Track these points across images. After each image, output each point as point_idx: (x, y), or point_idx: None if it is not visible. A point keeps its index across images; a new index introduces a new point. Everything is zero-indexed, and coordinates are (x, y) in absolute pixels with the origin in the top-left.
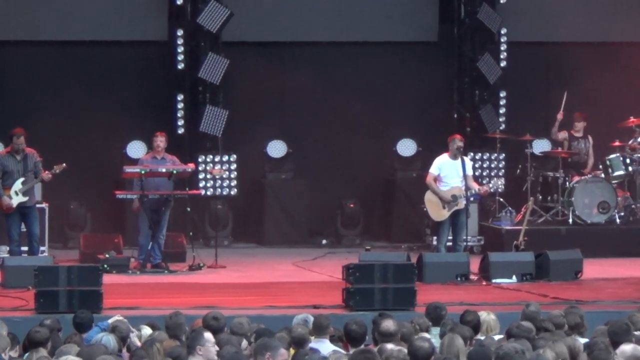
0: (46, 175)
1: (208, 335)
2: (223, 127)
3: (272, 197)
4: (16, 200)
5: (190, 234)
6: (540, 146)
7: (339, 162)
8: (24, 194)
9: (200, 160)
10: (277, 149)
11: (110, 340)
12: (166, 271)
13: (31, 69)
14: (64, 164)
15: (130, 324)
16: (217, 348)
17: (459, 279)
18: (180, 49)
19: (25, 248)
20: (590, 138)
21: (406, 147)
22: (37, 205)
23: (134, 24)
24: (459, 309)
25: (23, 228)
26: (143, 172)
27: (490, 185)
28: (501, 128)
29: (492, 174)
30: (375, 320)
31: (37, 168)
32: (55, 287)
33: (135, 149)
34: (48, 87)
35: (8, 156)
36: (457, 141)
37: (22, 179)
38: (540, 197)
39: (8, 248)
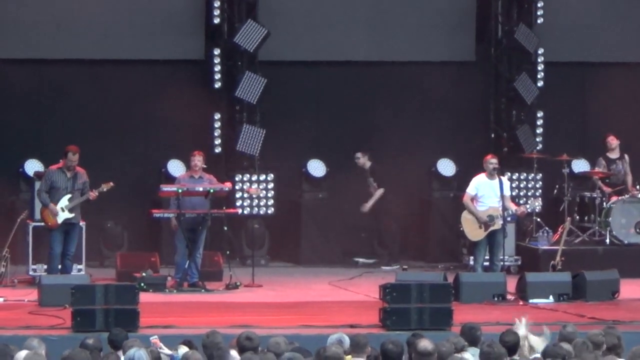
0: (93, 193)
1: (234, 353)
2: (260, 146)
3: (309, 216)
4: (62, 216)
5: (227, 253)
6: (578, 166)
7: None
8: (70, 210)
9: (237, 179)
10: (317, 168)
11: (142, 355)
12: (203, 290)
13: (68, 88)
14: (111, 183)
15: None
16: None
17: (495, 298)
18: (217, 68)
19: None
20: (626, 156)
21: (446, 167)
22: None
23: (171, 43)
24: (496, 329)
25: None
26: (180, 191)
27: (528, 205)
28: (538, 148)
29: (529, 194)
30: (410, 340)
31: (84, 187)
32: (92, 306)
33: (174, 167)
34: (85, 106)
35: (58, 172)
36: (490, 161)
37: (68, 196)
38: (577, 217)
39: (47, 267)
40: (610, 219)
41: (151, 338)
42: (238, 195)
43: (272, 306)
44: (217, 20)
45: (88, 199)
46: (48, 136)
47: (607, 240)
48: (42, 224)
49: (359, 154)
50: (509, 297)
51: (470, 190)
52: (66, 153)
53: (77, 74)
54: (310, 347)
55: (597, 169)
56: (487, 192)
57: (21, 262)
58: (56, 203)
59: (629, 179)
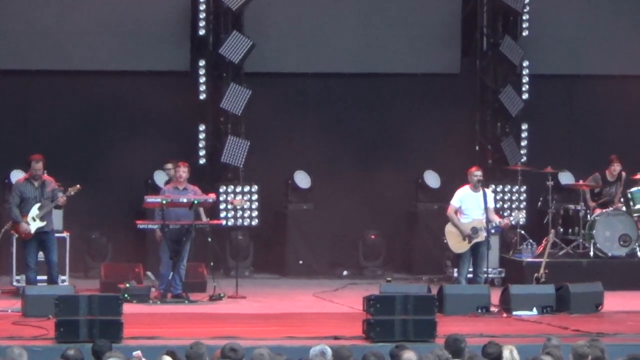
0: (61, 198)
1: None
2: (244, 157)
3: (294, 227)
4: (34, 226)
5: (211, 264)
6: (564, 179)
7: (360, 193)
8: (41, 219)
9: (221, 190)
10: (303, 179)
11: None
12: (187, 301)
13: (54, 98)
14: (78, 186)
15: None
16: None
17: (479, 310)
18: (203, 80)
19: (43, 277)
20: (623, 175)
21: (432, 179)
22: (59, 235)
23: (156, 54)
24: (479, 340)
25: (41, 257)
26: (164, 202)
27: (512, 217)
28: (522, 160)
29: (514, 206)
30: (394, 352)
31: (54, 195)
32: (75, 317)
33: (161, 178)
34: (70, 117)
35: (26, 183)
36: (474, 173)
37: (38, 205)
38: (562, 229)
39: (25, 277)
40: (594, 231)
41: (134, 353)
42: (222, 206)
43: (256, 317)
44: (202, 32)
45: (58, 205)
46: (33, 146)
47: (591, 253)
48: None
49: (169, 165)
50: (493, 309)
51: (455, 202)
52: (29, 163)
53: (63, 85)
54: (295, 358)
55: (588, 181)
56: (471, 205)
57: (5, 273)
58: (27, 213)
59: (619, 191)
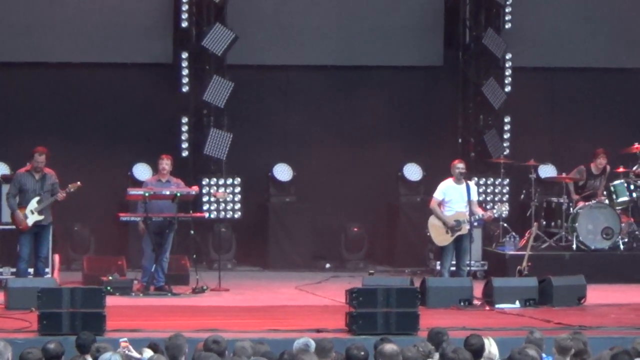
0: (60, 194)
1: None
2: (227, 150)
3: (276, 220)
4: (32, 219)
5: (194, 256)
6: (546, 172)
7: (342, 186)
8: (39, 212)
9: (204, 183)
10: (283, 172)
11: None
12: (169, 294)
13: (36, 91)
14: (79, 183)
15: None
16: None
17: (462, 303)
18: (185, 72)
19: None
20: (608, 168)
21: (413, 172)
22: None
23: (139, 46)
24: (462, 333)
25: None
26: (147, 194)
27: (495, 210)
28: (505, 153)
29: (496, 199)
30: (377, 344)
31: (54, 189)
32: (58, 309)
33: (140, 171)
34: (53, 109)
35: (27, 174)
36: (457, 166)
37: (37, 198)
38: (544, 222)
39: (16, 268)
40: (577, 224)
41: (121, 340)
42: (205, 199)
43: (238, 310)
44: (185, 24)
45: (57, 200)
46: (14, 139)
47: (574, 246)
48: (10, 227)
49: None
50: (476, 302)
51: (438, 195)
52: (32, 154)
53: (44, 77)
54: (277, 351)
55: (572, 174)
56: (455, 197)
57: None
58: (25, 206)
59: (603, 185)
